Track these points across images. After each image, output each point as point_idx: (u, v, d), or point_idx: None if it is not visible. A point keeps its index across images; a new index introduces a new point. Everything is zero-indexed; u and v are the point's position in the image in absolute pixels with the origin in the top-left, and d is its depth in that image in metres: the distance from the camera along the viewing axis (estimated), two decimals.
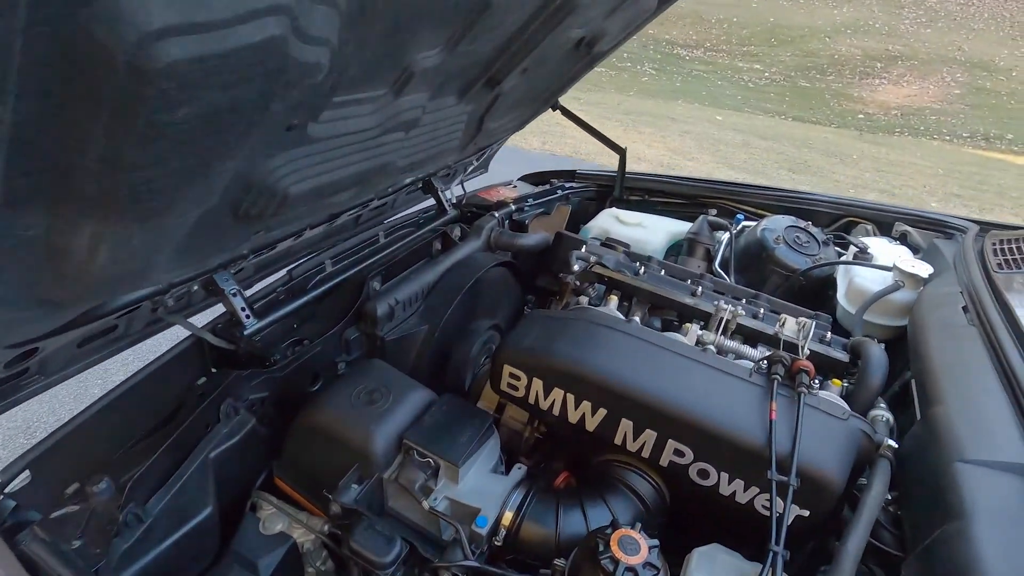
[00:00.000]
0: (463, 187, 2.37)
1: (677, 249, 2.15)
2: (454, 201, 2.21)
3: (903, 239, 2.01)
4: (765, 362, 1.11)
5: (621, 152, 2.38)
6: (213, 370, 1.29)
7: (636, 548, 0.85)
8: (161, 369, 1.21)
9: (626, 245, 1.84)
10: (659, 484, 1.12)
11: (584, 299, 1.44)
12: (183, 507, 1.01)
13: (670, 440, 1.03)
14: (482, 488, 1.09)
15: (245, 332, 1.33)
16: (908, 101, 15.57)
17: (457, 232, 1.93)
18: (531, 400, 1.17)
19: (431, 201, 2.08)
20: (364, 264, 1.73)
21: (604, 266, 1.53)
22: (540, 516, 1.06)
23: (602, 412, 1.09)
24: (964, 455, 0.94)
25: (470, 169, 2.41)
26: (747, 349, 1.28)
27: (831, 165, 7.94)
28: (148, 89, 0.54)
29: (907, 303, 1.62)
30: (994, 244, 1.63)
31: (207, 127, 0.65)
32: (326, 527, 1.13)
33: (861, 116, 14.62)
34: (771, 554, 0.84)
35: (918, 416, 1.11)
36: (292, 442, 1.18)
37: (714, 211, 2.31)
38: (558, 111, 2.25)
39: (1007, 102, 14.99)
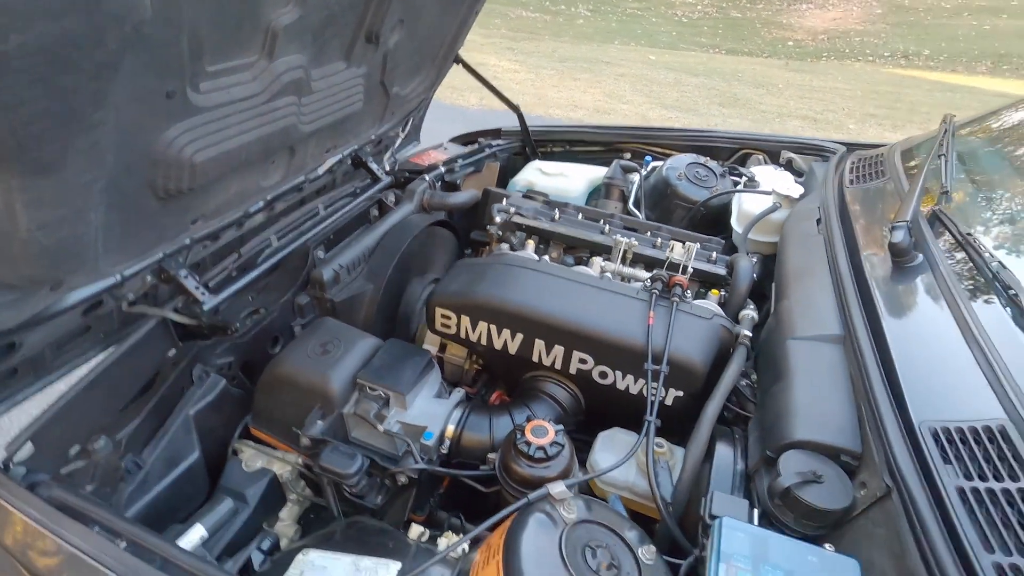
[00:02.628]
0: (394, 156, 2.50)
1: (596, 193, 2.37)
2: (387, 169, 2.36)
3: (789, 165, 2.28)
4: (650, 281, 1.36)
5: (516, 109, 2.51)
6: (180, 343, 1.45)
7: (545, 432, 1.10)
8: (132, 347, 1.36)
9: (545, 195, 2.05)
10: (573, 390, 1.37)
11: (505, 246, 1.65)
12: (173, 455, 1.20)
13: (575, 351, 1.27)
14: (427, 410, 1.31)
15: (204, 308, 1.48)
16: (834, 24, 15.96)
17: (392, 198, 2.09)
18: (462, 335, 1.38)
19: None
20: (307, 236, 1.88)
21: (522, 215, 1.74)
22: (476, 426, 1.29)
23: (520, 336, 1.31)
24: (794, 334, 1.21)
25: (399, 141, 2.53)
26: (641, 273, 1.52)
27: (759, 96, 8.25)
28: None
29: (783, 221, 1.89)
30: (853, 162, 1.90)
31: (50, 61, 0.72)
32: (300, 459, 1.34)
33: (791, 43, 14.95)
34: (647, 423, 1.10)
35: (771, 311, 1.38)
36: (261, 395, 1.37)
37: (628, 155, 2.53)
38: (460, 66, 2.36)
39: (924, 18, 15.57)
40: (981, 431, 0.85)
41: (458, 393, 1.37)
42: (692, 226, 2.11)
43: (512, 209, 1.75)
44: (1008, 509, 0.75)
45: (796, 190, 1.89)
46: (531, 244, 1.66)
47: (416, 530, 1.10)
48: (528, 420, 1.14)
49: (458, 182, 2.37)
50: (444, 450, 1.28)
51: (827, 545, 0.85)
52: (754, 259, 1.59)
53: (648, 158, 2.35)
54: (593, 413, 1.41)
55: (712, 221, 2.16)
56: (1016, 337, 0.97)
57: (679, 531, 1.02)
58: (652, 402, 1.12)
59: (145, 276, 1.41)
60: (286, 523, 1.34)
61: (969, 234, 1.17)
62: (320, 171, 1.98)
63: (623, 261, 1.56)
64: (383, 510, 1.27)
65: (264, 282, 1.72)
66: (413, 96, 2.37)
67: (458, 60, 2.39)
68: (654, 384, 1.16)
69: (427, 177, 2.18)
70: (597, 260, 1.54)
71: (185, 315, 1.49)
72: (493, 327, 1.33)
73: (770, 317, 1.37)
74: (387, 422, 1.28)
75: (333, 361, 1.32)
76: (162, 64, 1.05)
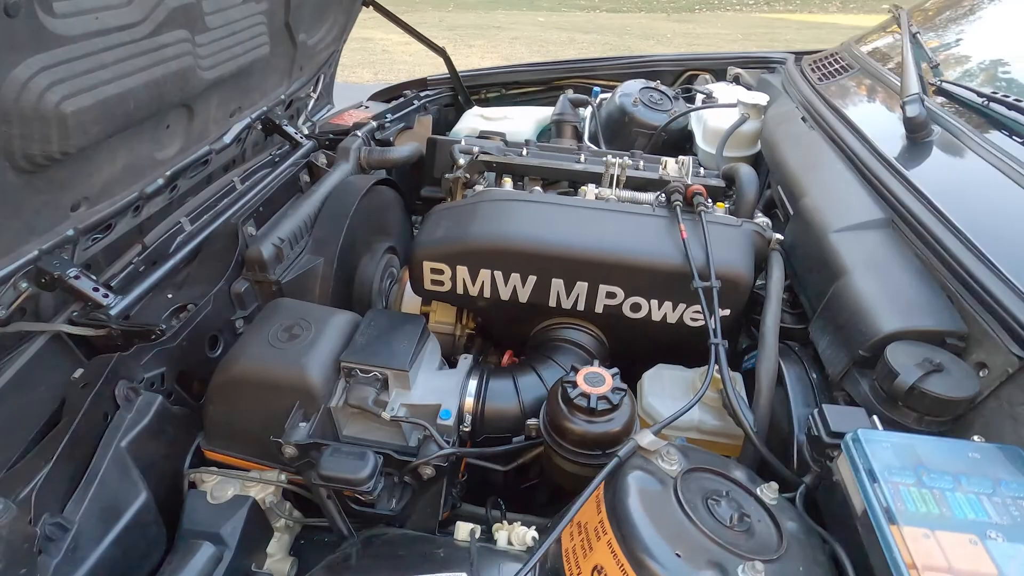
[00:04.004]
0: (311, 121, 2.18)
1: (546, 134, 2.17)
2: (306, 133, 2.03)
3: (736, 80, 2.21)
4: (663, 196, 1.19)
5: (442, 53, 2.26)
6: (87, 360, 1.10)
7: (601, 379, 0.90)
8: (16, 377, 1.00)
9: (501, 134, 1.82)
10: (596, 332, 1.18)
11: (480, 188, 1.41)
12: (111, 504, 0.88)
13: (601, 285, 1.08)
14: (435, 385, 1.07)
15: (112, 312, 1.14)
16: None
17: (323, 160, 1.77)
18: (459, 290, 1.15)
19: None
20: (228, 214, 1.54)
21: (489, 154, 1.51)
22: (500, 393, 1.08)
23: (532, 279, 1.10)
24: (833, 227, 1.09)
25: (312, 103, 2.22)
26: (642, 195, 1.35)
27: (651, 47, 8.41)
28: None
29: (754, 132, 1.81)
30: (810, 64, 1.84)
31: None
32: (282, 475, 1.06)
33: None
34: (713, 347, 0.93)
35: (791, 213, 1.26)
36: (214, 406, 1.06)
37: (571, 90, 2.35)
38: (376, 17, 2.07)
39: None
40: None
41: (465, 360, 1.14)
42: (655, 153, 1.98)
43: (476, 148, 1.51)
44: None
45: (761, 97, 1.80)
46: (508, 182, 1.43)
47: (464, 528, 0.87)
48: (572, 369, 0.94)
49: (391, 139, 2.08)
50: (466, 428, 1.05)
51: (976, 437, 0.73)
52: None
53: (596, 90, 2.18)
54: (616, 355, 1.23)
55: (673, 146, 2.04)
56: None
57: (776, 459, 0.88)
58: (715, 325, 0.95)
59: (18, 282, 1.05)
60: (277, 559, 1.06)
61: (994, 92, 1.10)
62: (227, 139, 1.64)
63: (617, 186, 1.39)
64: (403, 516, 1.02)
65: (184, 274, 1.38)
66: (322, 46, 2.05)
67: (368, 2, 2.08)
68: (697, 309, 1.00)
69: (360, 133, 1.89)
70: (590, 188, 1.35)
71: (86, 325, 1.14)
72: (499, 273, 1.10)
73: (790, 221, 1.26)
74: (390, 407, 1.03)
75: (306, 346, 1.04)
76: None
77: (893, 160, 1.15)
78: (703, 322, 1.09)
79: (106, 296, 1.16)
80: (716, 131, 1.83)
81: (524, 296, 1.12)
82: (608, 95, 2.16)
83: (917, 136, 1.17)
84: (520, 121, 2.16)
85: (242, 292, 1.33)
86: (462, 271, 1.11)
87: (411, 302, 1.38)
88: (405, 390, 1.06)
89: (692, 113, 1.98)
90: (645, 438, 0.77)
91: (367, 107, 2.33)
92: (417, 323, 1.13)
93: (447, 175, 1.66)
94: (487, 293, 1.14)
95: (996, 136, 1.09)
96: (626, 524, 0.66)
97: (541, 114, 2.19)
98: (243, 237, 1.41)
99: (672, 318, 1.10)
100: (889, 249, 1.00)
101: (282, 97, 1.92)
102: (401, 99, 2.33)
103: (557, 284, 1.10)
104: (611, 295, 1.09)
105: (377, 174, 1.85)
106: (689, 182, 1.37)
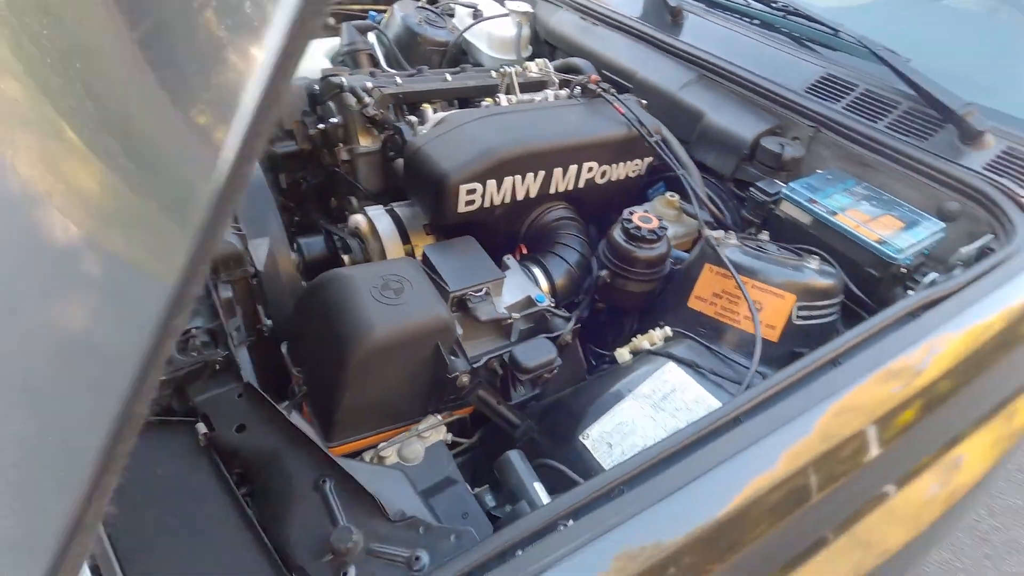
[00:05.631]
0: None
1: (342, 67, 2.10)
2: None
3: None
4: (579, 88, 1.53)
5: None
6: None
7: (648, 218, 1.27)
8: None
9: (344, 69, 1.75)
10: (568, 206, 1.50)
11: (413, 119, 1.46)
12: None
13: (584, 163, 1.39)
14: (512, 284, 1.25)
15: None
16: None
17: None
18: (486, 204, 1.29)
19: None
20: None
21: (384, 87, 1.52)
22: (556, 269, 1.33)
23: (541, 174, 1.33)
24: (675, 88, 1.64)
25: None
26: (543, 94, 1.64)
27: None
28: None
29: (528, 36, 2.21)
30: None
31: None
32: (440, 417, 1.11)
33: None
34: (686, 182, 1.38)
35: (630, 87, 1.76)
36: (354, 388, 1.01)
37: (332, 19, 2.25)
38: None
39: None
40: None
41: (510, 259, 1.32)
42: (449, 67, 2.19)
43: (369, 83, 1.50)
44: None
45: (525, 5, 2.19)
46: (429, 108, 1.51)
47: (624, 353, 1.17)
48: (621, 220, 1.27)
49: None
50: (553, 305, 1.29)
51: (818, 171, 1.40)
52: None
53: (373, 14, 2.19)
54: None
55: (454, 60, 2.28)
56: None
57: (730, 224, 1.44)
58: (679, 160, 1.40)
59: None
60: None
61: None
62: None
63: (514, 91, 1.63)
64: (543, 392, 1.23)
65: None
66: None
67: None
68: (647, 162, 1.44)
69: None
70: (503, 97, 1.56)
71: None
72: (518, 177, 1.29)
73: (632, 92, 1.76)
74: (505, 313, 1.18)
75: (419, 292, 1.07)
76: None
77: (676, 38, 1.74)
78: (636, 172, 1.53)
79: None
80: (503, 39, 2.16)
81: (534, 191, 1.35)
82: (381, 19, 2.20)
83: (677, 19, 1.79)
84: (309, 59, 2.03)
85: (231, 297, 1.14)
86: (491, 184, 1.26)
87: (393, 248, 1.39)
88: (499, 296, 1.21)
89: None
90: (715, 233, 1.20)
91: None
92: (471, 242, 1.24)
93: (335, 119, 1.58)
94: (507, 199, 1.31)
95: (722, 12, 1.78)
96: (759, 272, 1.11)
97: (326, 46, 2.10)
98: None
99: (622, 175, 1.50)
100: (714, 93, 1.61)
101: None
102: None
103: (556, 173, 1.36)
104: (590, 169, 1.42)
105: None
106: (554, 78, 1.72)
